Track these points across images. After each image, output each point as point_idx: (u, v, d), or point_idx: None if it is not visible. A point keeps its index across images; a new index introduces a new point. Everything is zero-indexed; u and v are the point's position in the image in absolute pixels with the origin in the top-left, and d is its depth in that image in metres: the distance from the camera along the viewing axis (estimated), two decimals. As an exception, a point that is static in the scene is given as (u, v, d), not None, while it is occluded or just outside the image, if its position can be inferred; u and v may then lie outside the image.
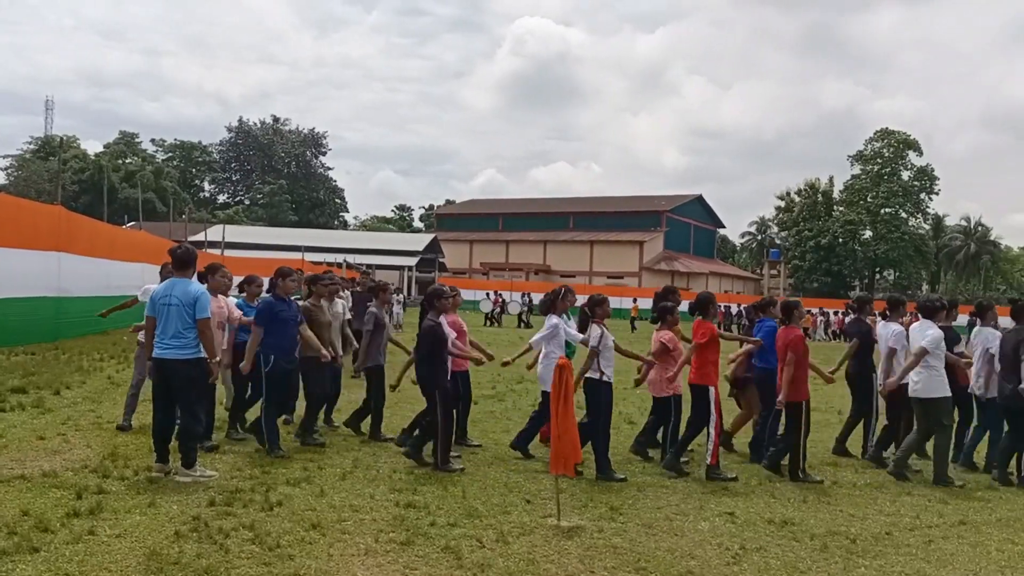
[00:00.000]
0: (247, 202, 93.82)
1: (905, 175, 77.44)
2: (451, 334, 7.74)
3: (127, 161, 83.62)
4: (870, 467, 8.37)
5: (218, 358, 6.85)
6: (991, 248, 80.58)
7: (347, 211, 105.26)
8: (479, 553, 5.10)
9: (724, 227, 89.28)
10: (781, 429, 7.91)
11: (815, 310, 44.24)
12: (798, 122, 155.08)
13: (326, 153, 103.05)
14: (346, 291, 12.61)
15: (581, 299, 8.27)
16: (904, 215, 78.21)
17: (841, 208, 78.63)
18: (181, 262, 6.67)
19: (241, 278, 8.69)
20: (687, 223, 77.31)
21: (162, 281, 8.20)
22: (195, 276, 6.90)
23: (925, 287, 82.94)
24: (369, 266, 48.19)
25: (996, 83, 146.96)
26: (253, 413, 8.28)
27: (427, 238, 69.18)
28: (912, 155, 77.66)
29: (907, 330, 8.26)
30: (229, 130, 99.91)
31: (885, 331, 8.40)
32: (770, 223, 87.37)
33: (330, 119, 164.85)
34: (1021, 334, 7.75)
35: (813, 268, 76.84)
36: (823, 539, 5.80)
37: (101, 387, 10.85)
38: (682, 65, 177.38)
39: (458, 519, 5.75)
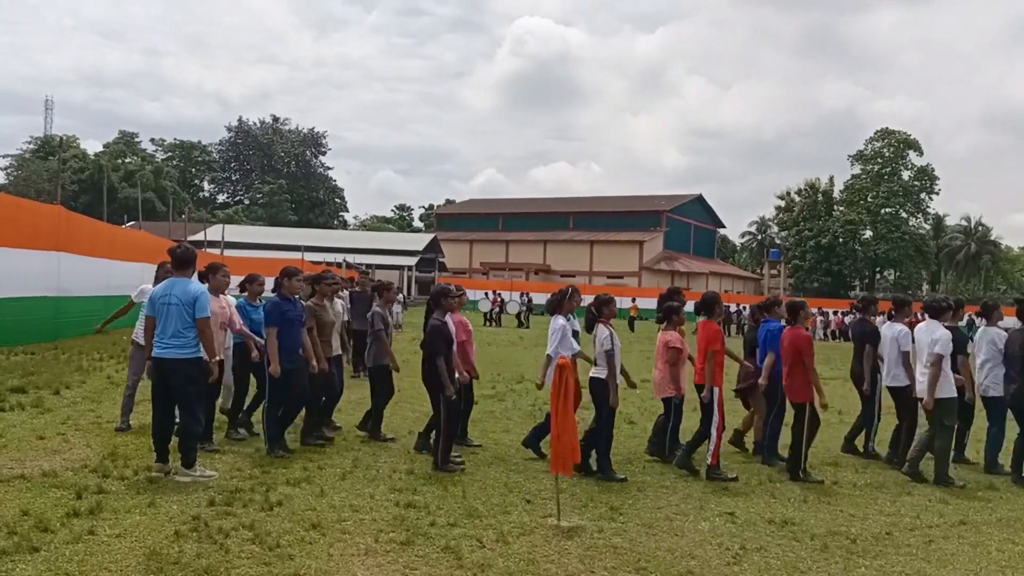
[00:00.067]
0: (247, 202, 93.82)
1: (905, 175, 77.44)
2: (462, 335, 7.78)
3: (127, 161, 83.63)
4: (870, 467, 8.36)
5: (218, 357, 6.84)
6: (991, 248, 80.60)
7: (347, 211, 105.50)
8: (479, 553, 5.10)
9: (724, 227, 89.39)
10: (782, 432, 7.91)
11: (814, 310, 44.24)
12: (798, 122, 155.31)
13: (326, 153, 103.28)
14: (344, 291, 12.60)
15: (586, 299, 8.26)
16: (904, 215, 78.21)
17: (841, 208, 78.63)
18: (181, 261, 6.66)
19: (240, 277, 8.66)
20: (687, 223, 77.31)
21: (156, 281, 8.22)
22: (195, 276, 6.89)
23: (925, 287, 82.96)
24: (369, 266, 48.20)
25: (996, 83, 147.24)
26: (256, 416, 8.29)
27: (427, 238, 69.19)
28: (912, 155, 77.70)
29: (911, 331, 8.26)
30: (229, 130, 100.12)
31: (890, 331, 8.39)
32: (770, 223, 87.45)
33: (330, 119, 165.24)
34: None
35: (813, 268, 76.84)
36: (823, 539, 5.79)
37: (101, 387, 10.85)
38: (682, 65, 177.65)
39: (458, 519, 5.75)
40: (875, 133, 78.93)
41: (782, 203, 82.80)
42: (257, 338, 7.90)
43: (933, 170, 77.65)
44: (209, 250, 39.31)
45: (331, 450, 7.80)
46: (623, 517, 6.07)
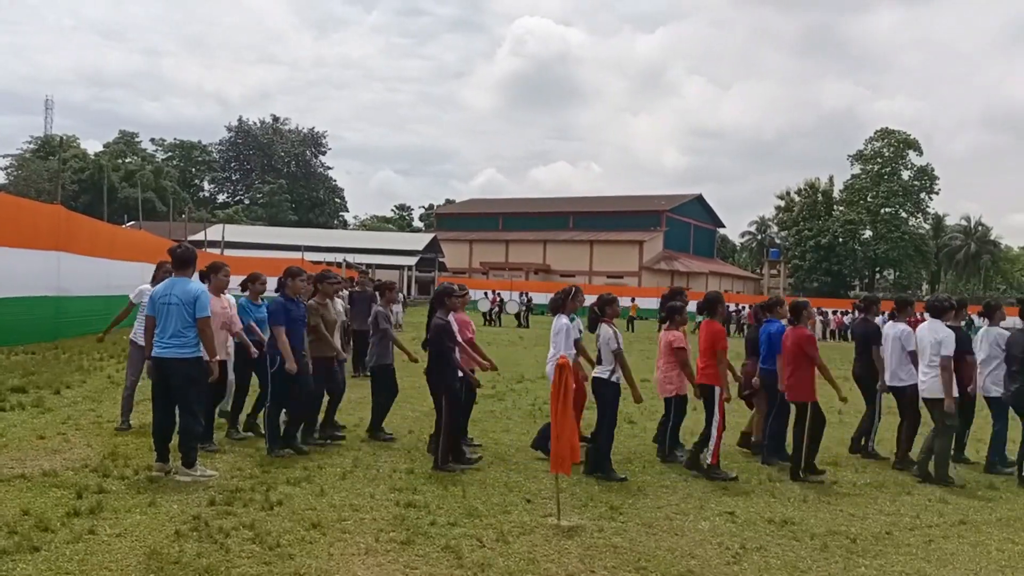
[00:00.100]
0: (247, 201, 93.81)
1: (905, 175, 77.49)
2: (467, 334, 7.79)
3: (127, 161, 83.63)
4: (870, 467, 8.36)
5: (218, 357, 6.84)
6: (991, 248, 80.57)
7: (347, 211, 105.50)
8: (479, 552, 5.10)
9: (724, 227, 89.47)
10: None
11: (813, 310, 44.17)
12: (798, 122, 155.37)
13: (326, 153, 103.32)
14: (344, 291, 12.62)
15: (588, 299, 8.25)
16: (904, 215, 78.25)
17: (841, 208, 78.66)
18: (181, 261, 6.67)
19: (241, 277, 8.66)
20: (687, 223, 77.32)
21: (154, 280, 8.23)
22: (195, 275, 6.89)
23: (925, 287, 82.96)
24: (369, 266, 48.18)
25: (996, 83, 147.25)
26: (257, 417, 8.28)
27: (427, 238, 69.18)
28: (912, 155, 77.77)
29: (913, 330, 8.26)
30: (229, 130, 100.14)
31: (892, 331, 8.39)
32: (770, 223, 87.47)
33: (330, 119, 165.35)
34: None
35: (813, 268, 76.85)
36: (823, 538, 5.80)
37: (101, 386, 10.85)
38: (682, 65, 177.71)
39: (458, 518, 5.75)
40: (875, 133, 79.11)
41: (782, 203, 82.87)
42: (252, 343, 7.91)
43: (933, 170, 77.77)
44: (209, 250, 39.29)
45: (331, 450, 7.80)
46: (623, 516, 6.08)
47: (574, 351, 7.84)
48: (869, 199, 76.79)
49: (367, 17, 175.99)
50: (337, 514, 5.72)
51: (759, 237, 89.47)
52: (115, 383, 10.93)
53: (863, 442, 8.90)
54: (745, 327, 33.35)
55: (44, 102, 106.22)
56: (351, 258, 47.76)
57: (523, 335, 29.38)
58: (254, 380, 8.23)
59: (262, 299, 8.39)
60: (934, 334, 7.70)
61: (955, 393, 7.68)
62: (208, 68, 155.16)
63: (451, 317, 7.58)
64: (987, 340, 8.45)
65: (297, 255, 40.73)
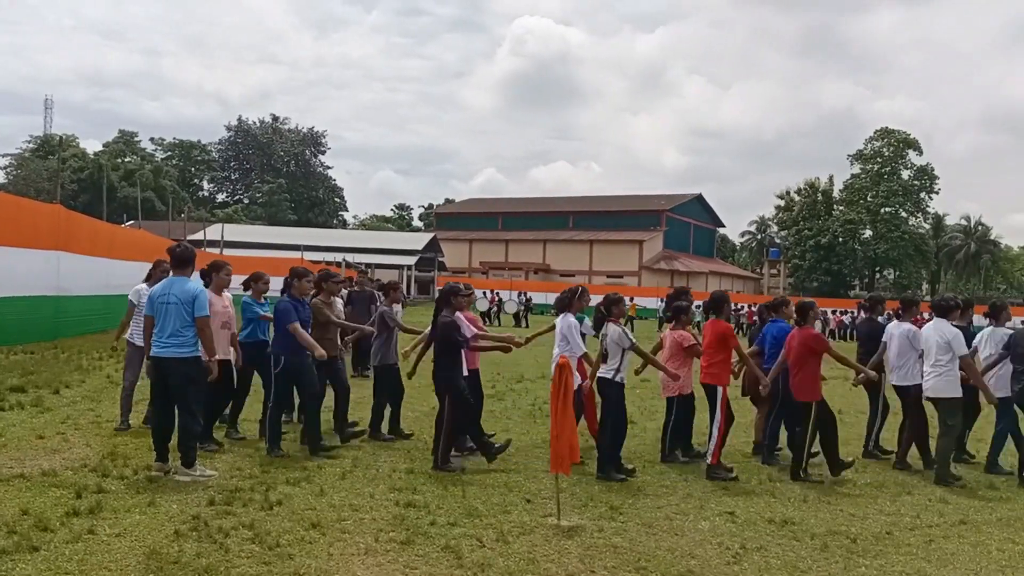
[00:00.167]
0: (246, 201, 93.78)
1: (905, 174, 77.48)
2: (472, 328, 7.82)
3: (126, 160, 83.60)
4: (870, 467, 8.35)
5: (218, 356, 6.83)
6: (991, 247, 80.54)
7: (346, 210, 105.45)
8: (479, 552, 5.09)
9: (724, 226, 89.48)
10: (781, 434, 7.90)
11: (820, 310, 44.16)
12: (798, 122, 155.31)
13: (325, 152, 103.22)
14: (343, 290, 12.61)
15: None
16: (904, 214, 78.25)
17: (841, 207, 78.65)
18: (180, 260, 6.66)
19: (240, 277, 8.65)
20: (687, 222, 77.33)
21: (149, 279, 8.21)
22: (193, 275, 6.87)
23: (925, 286, 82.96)
24: (368, 265, 48.15)
25: (996, 83, 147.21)
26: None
27: (426, 237, 69.16)
28: (912, 154, 77.78)
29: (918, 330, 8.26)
30: (228, 129, 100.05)
31: (897, 330, 8.39)
32: (770, 222, 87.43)
33: (330, 119, 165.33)
34: None
35: (813, 267, 76.86)
36: (823, 538, 5.79)
37: (100, 386, 10.85)
38: (682, 65, 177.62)
39: (458, 518, 5.74)
40: (875, 133, 79.11)
41: (782, 203, 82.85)
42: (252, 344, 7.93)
43: (933, 169, 77.78)
44: (208, 249, 39.30)
45: (331, 449, 7.77)
46: (623, 516, 6.07)
47: (584, 349, 7.84)
48: (869, 199, 76.80)
49: (367, 17, 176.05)
50: (337, 514, 5.71)
51: (759, 237, 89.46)
52: (114, 383, 10.92)
53: (865, 442, 8.89)
54: (745, 327, 33.46)
55: (44, 102, 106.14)
56: (350, 258, 47.74)
57: (523, 334, 29.37)
58: (255, 381, 8.23)
59: (264, 299, 8.39)
60: (940, 334, 7.70)
61: (957, 393, 7.68)
62: (208, 68, 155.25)
63: (457, 315, 7.60)
64: (993, 340, 8.44)
65: (296, 255, 40.73)
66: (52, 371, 11.70)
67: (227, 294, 7.95)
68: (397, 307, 9.41)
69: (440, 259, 68.20)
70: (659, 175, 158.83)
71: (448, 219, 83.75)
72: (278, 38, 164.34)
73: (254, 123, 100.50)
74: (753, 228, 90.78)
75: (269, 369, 7.55)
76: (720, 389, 7.53)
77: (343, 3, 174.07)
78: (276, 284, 8.43)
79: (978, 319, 11.12)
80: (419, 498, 6.20)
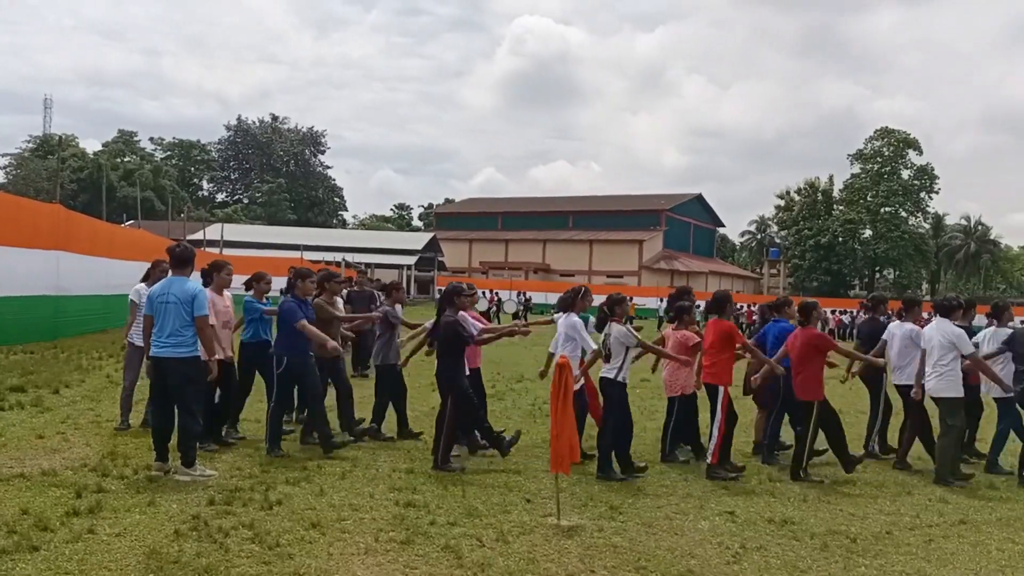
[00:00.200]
0: (246, 201, 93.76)
1: (905, 174, 77.47)
2: (477, 325, 7.86)
3: (126, 160, 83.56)
4: (870, 466, 8.35)
5: (217, 356, 6.82)
6: (991, 247, 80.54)
7: (346, 210, 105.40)
8: (479, 552, 5.09)
9: (724, 226, 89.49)
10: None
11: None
12: (798, 122, 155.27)
13: (325, 152, 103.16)
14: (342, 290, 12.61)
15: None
16: (904, 214, 78.23)
17: (841, 207, 78.64)
18: (179, 260, 6.65)
19: (239, 276, 8.66)
20: (687, 222, 77.33)
21: (146, 279, 8.20)
22: (192, 274, 6.85)
23: (925, 286, 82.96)
24: (368, 265, 48.15)
25: (996, 83, 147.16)
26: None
27: (426, 237, 69.13)
28: (912, 154, 77.73)
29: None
30: (228, 129, 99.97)
31: (900, 330, 8.39)
32: (770, 222, 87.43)
33: (330, 119, 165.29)
34: None
35: (813, 267, 76.85)
36: (823, 538, 5.79)
37: (100, 386, 10.85)
38: (682, 65, 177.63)
39: (458, 518, 5.74)
40: (874, 132, 79.04)
41: (782, 202, 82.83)
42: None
43: (933, 169, 77.75)
44: (208, 249, 39.30)
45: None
46: (623, 516, 6.07)
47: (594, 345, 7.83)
48: (869, 198, 76.79)
49: (367, 16, 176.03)
50: (336, 514, 5.71)
51: (759, 236, 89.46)
52: (114, 382, 10.92)
53: (865, 442, 8.89)
54: (745, 326, 33.48)
55: (43, 101, 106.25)
56: (350, 257, 47.73)
57: (522, 334, 29.37)
58: (256, 382, 8.23)
59: (267, 299, 8.39)
60: (943, 334, 7.71)
61: (959, 393, 7.68)
62: (208, 68, 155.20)
63: (461, 315, 7.62)
64: (995, 341, 8.45)
65: (296, 254, 40.74)
66: (52, 371, 11.70)
67: (228, 293, 7.96)
68: (399, 307, 9.42)
69: (440, 259, 68.19)
70: (659, 175, 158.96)
71: (448, 219, 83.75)
72: (278, 38, 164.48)
73: (254, 123, 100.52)
74: (753, 228, 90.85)
75: (271, 369, 7.55)
76: (722, 389, 7.54)
77: (343, 3, 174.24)
78: (276, 284, 8.45)
79: (978, 319, 11.14)
80: (419, 498, 6.20)
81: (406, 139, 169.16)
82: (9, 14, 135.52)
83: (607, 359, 7.41)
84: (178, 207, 64.48)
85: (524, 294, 43.50)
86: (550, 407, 6.16)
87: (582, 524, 5.80)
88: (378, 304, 11.99)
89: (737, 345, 7.78)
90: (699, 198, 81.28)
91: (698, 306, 9.76)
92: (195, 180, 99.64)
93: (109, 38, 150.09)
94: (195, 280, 6.86)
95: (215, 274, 7.75)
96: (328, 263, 38.27)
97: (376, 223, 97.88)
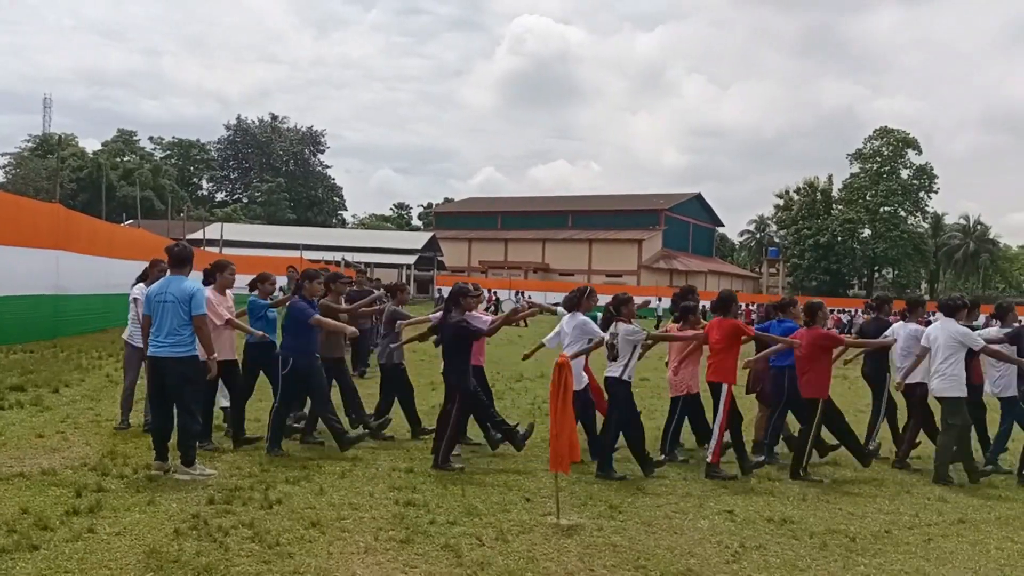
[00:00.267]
0: (245, 200, 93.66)
1: (904, 174, 77.53)
2: (484, 318, 7.92)
3: (125, 159, 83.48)
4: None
5: (216, 355, 6.82)
6: (990, 247, 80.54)
7: (345, 209, 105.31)
8: (479, 551, 5.10)
9: (723, 225, 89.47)
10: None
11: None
12: (797, 121, 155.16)
13: (324, 151, 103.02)
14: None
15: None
16: (903, 213, 78.25)
17: (840, 207, 78.66)
18: (178, 260, 6.65)
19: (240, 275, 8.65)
20: (686, 221, 77.33)
21: (144, 278, 8.20)
22: (191, 273, 6.84)
23: (924, 285, 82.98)
24: (367, 264, 48.13)
25: (996, 83, 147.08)
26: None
27: (426, 236, 69.08)
28: (911, 154, 77.75)
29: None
30: (227, 128, 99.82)
31: (904, 330, 8.39)
32: (769, 222, 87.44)
33: (330, 118, 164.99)
34: None
35: (812, 267, 76.86)
36: (822, 537, 5.80)
37: (100, 385, 10.85)
38: (682, 64, 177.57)
39: (457, 517, 5.75)
40: (874, 132, 79.07)
41: (781, 202, 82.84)
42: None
43: (932, 169, 77.78)
44: (208, 248, 39.28)
45: (330, 448, 7.79)
46: (622, 515, 6.08)
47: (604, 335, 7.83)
48: (868, 198, 76.81)
49: (366, 16, 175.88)
50: (336, 513, 5.71)
51: (758, 236, 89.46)
52: (113, 382, 10.93)
53: (865, 441, 8.87)
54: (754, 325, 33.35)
55: (43, 100, 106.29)
56: (350, 257, 47.73)
57: (521, 334, 29.36)
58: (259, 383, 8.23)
59: (271, 299, 8.39)
60: (948, 333, 7.72)
61: (962, 392, 7.69)
62: (208, 68, 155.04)
63: (467, 315, 7.64)
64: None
65: (296, 254, 40.72)
66: (51, 370, 11.70)
67: (230, 293, 7.96)
68: (403, 308, 9.45)
69: (439, 258, 68.16)
70: (658, 174, 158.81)
71: (447, 218, 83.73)
72: (278, 38, 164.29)
73: (253, 122, 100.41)
74: (752, 227, 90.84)
75: (276, 370, 7.56)
76: (725, 386, 7.55)
77: (343, 3, 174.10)
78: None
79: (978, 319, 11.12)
80: (419, 497, 6.20)
81: (406, 139, 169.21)
82: (9, 14, 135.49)
83: (613, 358, 7.42)
84: (178, 206, 64.43)
85: (522, 293, 43.49)
86: (550, 406, 6.17)
87: (581, 523, 5.81)
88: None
89: (744, 337, 7.76)
90: (698, 198, 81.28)
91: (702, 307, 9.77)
92: (195, 179, 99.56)
93: (109, 38, 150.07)
94: (193, 279, 6.86)
95: (218, 274, 7.75)
96: (328, 263, 38.28)
97: (375, 223, 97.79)
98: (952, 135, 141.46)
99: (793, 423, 8.42)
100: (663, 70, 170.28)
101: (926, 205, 79.76)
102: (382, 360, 8.80)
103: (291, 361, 7.43)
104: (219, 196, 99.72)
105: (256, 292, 8.21)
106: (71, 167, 72.38)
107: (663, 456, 8.03)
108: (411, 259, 61.54)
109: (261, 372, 8.09)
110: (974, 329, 8.35)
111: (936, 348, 7.81)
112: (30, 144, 78.76)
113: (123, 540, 4.92)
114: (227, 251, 39.11)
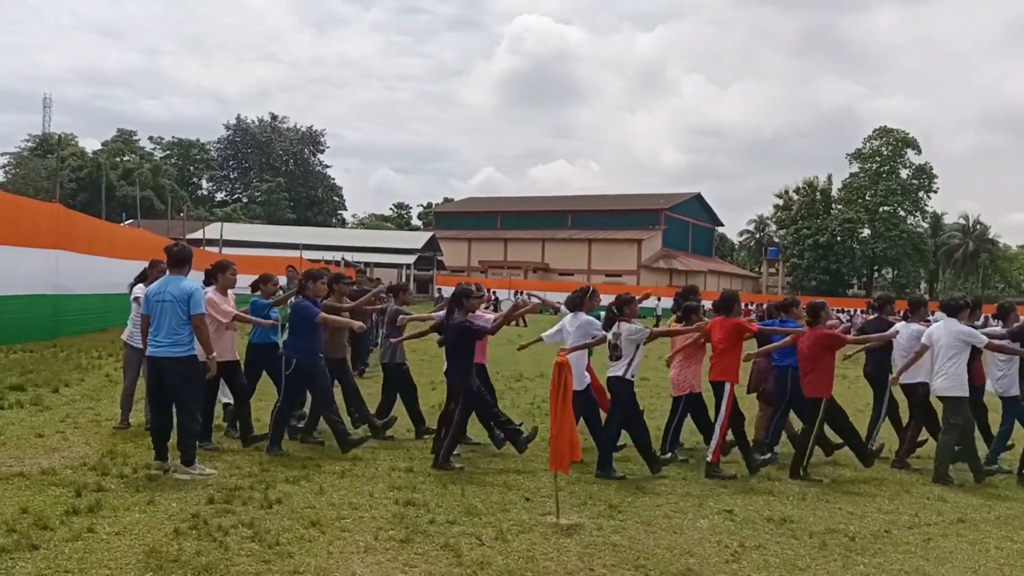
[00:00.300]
0: (245, 200, 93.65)
1: (904, 173, 77.55)
2: (487, 316, 7.95)
3: (125, 159, 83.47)
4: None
5: (215, 355, 6.82)
6: (989, 246, 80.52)
7: (345, 209, 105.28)
8: (478, 551, 5.10)
9: (723, 225, 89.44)
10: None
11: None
12: (797, 121, 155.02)
13: (324, 151, 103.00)
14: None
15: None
16: (903, 213, 78.27)
17: (839, 206, 78.67)
18: (177, 259, 6.65)
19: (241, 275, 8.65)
20: (685, 221, 77.33)
21: (144, 278, 8.21)
22: (190, 273, 6.84)
23: (924, 285, 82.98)
24: (367, 264, 48.12)
25: (996, 83, 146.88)
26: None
27: (425, 236, 69.07)
28: (911, 153, 77.78)
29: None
30: (227, 128, 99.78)
31: (906, 330, 8.39)
32: (768, 221, 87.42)
33: (329, 118, 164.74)
34: None
35: (811, 266, 76.86)
36: (822, 537, 5.80)
37: (99, 385, 10.85)
38: (681, 64, 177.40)
39: (457, 517, 5.75)
40: (873, 131, 79.07)
41: (780, 201, 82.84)
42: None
43: (931, 168, 77.80)
44: (207, 248, 39.29)
45: (330, 448, 7.79)
46: (622, 515, 6.08)
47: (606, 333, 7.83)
48: (868, 198, 76.82)
49: (366, 15, 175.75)
50: (336, 512, 5.72)
51: (757, 236, 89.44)
52: (113, 381, 10.93)
53: (866, 440, 8.87)
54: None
55: (42, 100, 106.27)
56: (349, 256, 47.74)
57: (522, 333, 29.38)
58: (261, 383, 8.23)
59: (274, 299, 8.39)
60: (951, 333, 7.72)
61: (963, 392, 7.69)
62: (207, 67, 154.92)
63: (469, 316, 7.64)
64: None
65: (295, 253, 40.72)
66: (51, 370, 11.70)
67: (231, 294, 7.96)
68: (404, 308, 9.46)
69: (439, 258, 68.15)
70: (658, 174, 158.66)
71: (447, 218, 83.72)
72: (277, 37, 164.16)
73: (253, 122, 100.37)
74: (752, 227, 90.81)
75: (279, 371, 7.55)
76: (728, 385, 7.56)
77: (342, 2, 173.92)
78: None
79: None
80: (418, 496, 6.20)
81: (405, 138, 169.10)
82: (9, 13, 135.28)
83: (616, 358, 7.43)
84: (177, 206, 64.40)
85: (522, 294, 43.46)
86: (549, 406, 6.17)
87: (581, 523, 5.81)
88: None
89: (746, 335, 7.76)
90: (698, 197, 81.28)
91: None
92: (194, 179, 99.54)
93: (108, 37, 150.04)
94: (192, 279, 6.86)
95: (219, 274, 7.74)
96: (327, 262, 38.28)
97: (375, 222, 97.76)
98: (951, 135, 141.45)
99: (796, 423, 8.42)
100: (662, 70, 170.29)
101: (925, 205, 79.91)
102: (385, 359, 8.82)
103: (295, 362, 7.43)
104: (219, 196, 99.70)
105: (259, 293, 8.21)
106: (71, 167, 72.34)
107: (667, 455, 8.04)
108: (411, 259, 61.54)
109: (263, 373, 8.10)
110: (976, 328, 8.37)
111: (939, 348, 7.81)
112: (30, 144, 78.76)
113: (123, 540, 4.92)
114: (227, 251, 39.11)
